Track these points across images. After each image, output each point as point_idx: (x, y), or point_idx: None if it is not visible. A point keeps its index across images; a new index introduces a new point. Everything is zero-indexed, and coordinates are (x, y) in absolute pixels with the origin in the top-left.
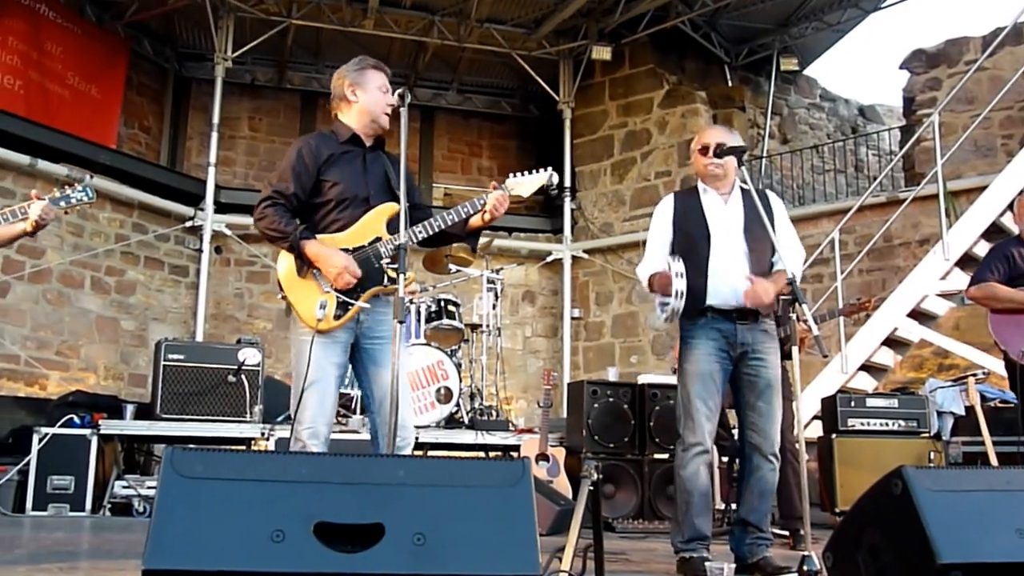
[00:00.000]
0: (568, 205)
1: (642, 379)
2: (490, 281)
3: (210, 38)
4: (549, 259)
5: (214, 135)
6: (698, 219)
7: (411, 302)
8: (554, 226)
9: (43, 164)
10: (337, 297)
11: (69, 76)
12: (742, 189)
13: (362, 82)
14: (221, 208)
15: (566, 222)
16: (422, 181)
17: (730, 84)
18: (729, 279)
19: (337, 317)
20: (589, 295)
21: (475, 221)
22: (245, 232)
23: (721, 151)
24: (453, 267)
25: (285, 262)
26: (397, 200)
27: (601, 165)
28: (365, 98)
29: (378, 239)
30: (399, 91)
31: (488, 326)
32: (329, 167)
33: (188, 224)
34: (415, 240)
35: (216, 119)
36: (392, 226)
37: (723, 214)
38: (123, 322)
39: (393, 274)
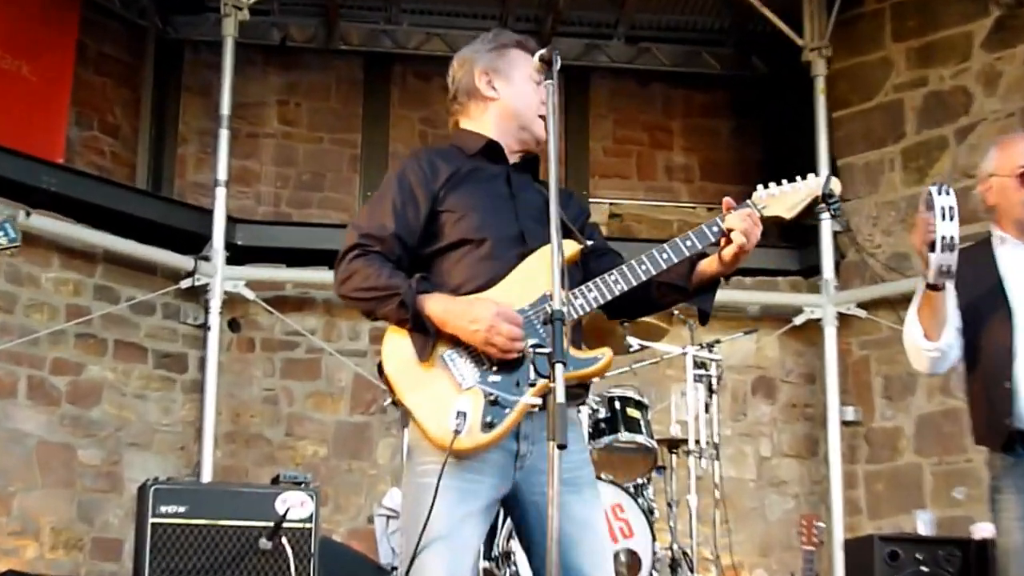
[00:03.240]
0: (828, 225)
1: (978, 530)
2: (699, 363)
3: None
4: (798, 321)
5: (223, 133)
6: (993, 286)
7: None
8: (804, 262)
9: None
10: (486, 393)
11: None
12: None
13: (504, 68)
14: (237, 255)
15: (825, 254)
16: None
17: None
18: None
19: (488, 427)
20: (872, 381)
21: (707, 265)
22: (279, 294)
23: None
24: (634, 342)
25: (394, 343)
26: (569, 237)
27: (883, 153)
28: (510, 93)
29: (546, 298)
30: (541, 53)
31: (698, 442)
32: (453, 191)
33: (185, 284)
34: (602, 300)
35: (226, 107)
36: (570, 281)
37: None
38: (82, 451)
39: (578, 352)
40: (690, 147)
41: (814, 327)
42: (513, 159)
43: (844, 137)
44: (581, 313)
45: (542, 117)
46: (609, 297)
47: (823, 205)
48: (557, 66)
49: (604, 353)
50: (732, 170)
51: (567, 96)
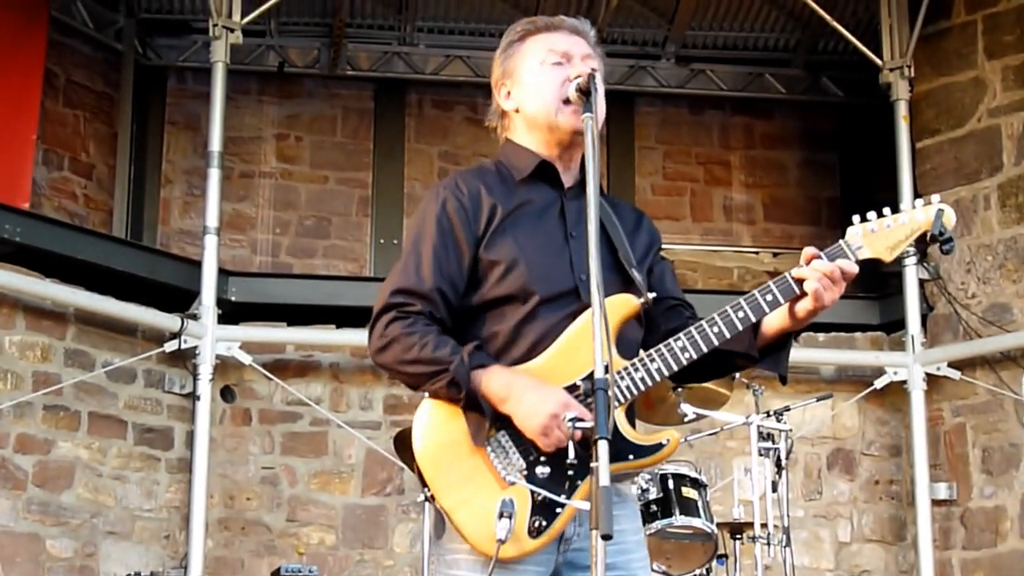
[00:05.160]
0: (913, 272)
1: None
2: (765, 435)
3: None
4: (880, 384)
5: (213, 173)
6: None
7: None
8: (886, 315)
9: None
10: (532, 493)
11: None
12: None
13: (513, 69)
14: (230, 313)
15: (911, 306)
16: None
17: None
18: None
19: (536, 532)
20: (968, 453)
21: (774, 322)
22: (279, 357)
23: None
24: (689, 410)
25: (429, 421)
26: (631, 287)
27: (977, 189)
28: (524, 95)
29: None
30: (579, 81)
31: (765, 525)
32: (499, 234)
33: (170, 347)
34: (666, 372)
35: (216, 143)
36: (628, 342)
37: None
38: (51, 542)
39: (637, 436)
40: (752, 183)
41: (899, 391)
42: (570, 177)
43: (931, 170)
44: (642, 389)
45: (566, 101)
46: (675, 369)
47: (935, 244)
48: (598, 94)
49: (669, 437)
50: (801, 209)
51: (609, 126)
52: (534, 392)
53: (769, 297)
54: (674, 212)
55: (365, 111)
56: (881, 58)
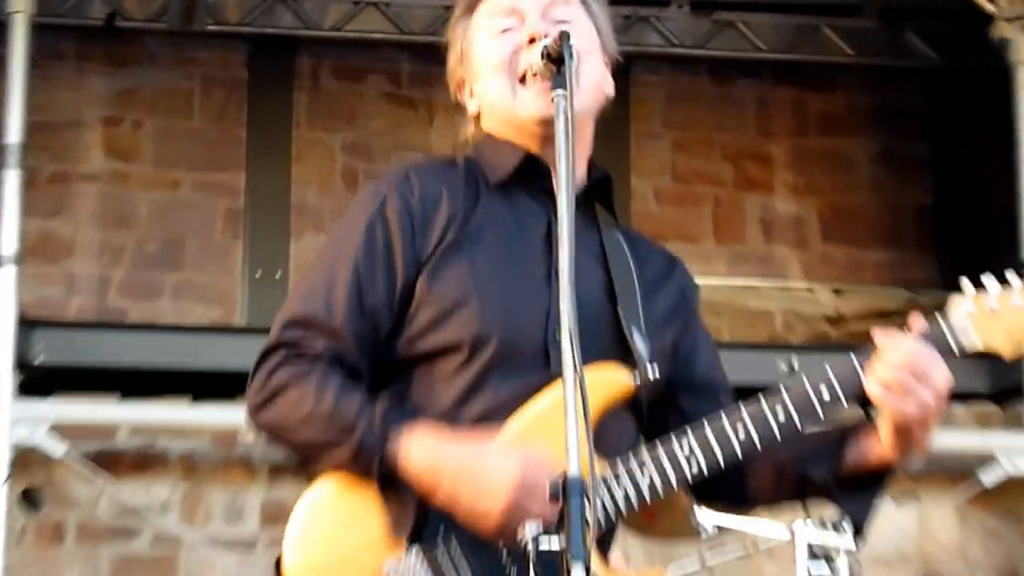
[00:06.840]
0: None
1: None
2: (818, 554)
3: None
4: (989, 480)
5: (12, 176)
6: None
7: None
8: (999, 381)
9: None
10: None
11: None
12: None
13: (468, 53)
14: (38, 380)
15: None
16: None
17: None
18: None
19: None
20: None
21: (874, 444)
22: (108, 446)
23: None
24: (708, 521)
25: (318, 515)
26: (628, 357)
27: None
28: (481, 87)
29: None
30: (546, 43)
31: None
32: (450, 255)
33: None
34: (661, 490)
35: (15, 131)
36: (612, 438)
37: None
38: None
39: (609, 571)
40: (804, 187)
41: (1018, 489)
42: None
43: None
44: (622, 511)
45: (522, 81)
46: (674, 485)
47: None
48: (573, 64)
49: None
50: (876, 225)
51: None
52: (478, 467)
53: (824, 389)
54: (688, 230)
55: (235, 83)
56: (993, 4)
